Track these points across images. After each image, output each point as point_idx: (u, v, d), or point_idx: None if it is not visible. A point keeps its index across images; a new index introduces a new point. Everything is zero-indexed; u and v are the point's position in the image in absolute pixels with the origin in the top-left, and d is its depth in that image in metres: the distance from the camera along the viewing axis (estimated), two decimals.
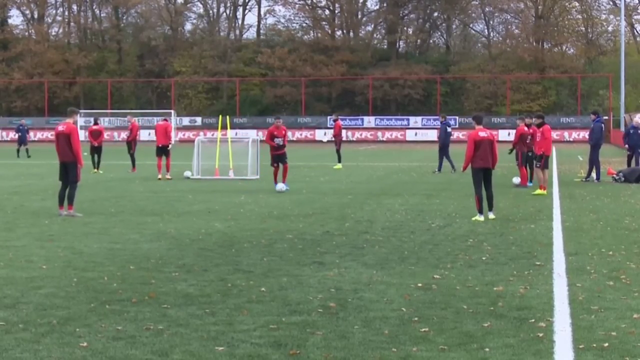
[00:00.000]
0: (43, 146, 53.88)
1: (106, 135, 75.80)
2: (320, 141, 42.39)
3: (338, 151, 35.97)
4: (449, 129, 32.84)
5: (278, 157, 23.47)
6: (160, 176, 27.72)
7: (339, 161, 35.52)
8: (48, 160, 36.53)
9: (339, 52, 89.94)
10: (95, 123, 33.27)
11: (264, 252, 12.28)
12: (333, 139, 36.93)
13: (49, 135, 69.78)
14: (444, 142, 31.78)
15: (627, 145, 29.21)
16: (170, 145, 28.66)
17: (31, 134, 48.49)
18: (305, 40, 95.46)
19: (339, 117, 40.85)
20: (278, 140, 23.44)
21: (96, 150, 31.66)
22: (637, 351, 7.06)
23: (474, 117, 17.56)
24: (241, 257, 11.83)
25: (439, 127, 33.23)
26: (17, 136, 47.78)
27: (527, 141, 24.80)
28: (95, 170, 30.87)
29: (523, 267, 11.00)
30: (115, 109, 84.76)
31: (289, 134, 69.81)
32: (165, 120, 30.31)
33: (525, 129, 24.91)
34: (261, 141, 29.51)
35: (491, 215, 16.44)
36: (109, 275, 10.34)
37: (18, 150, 45.48)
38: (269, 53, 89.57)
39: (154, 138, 30.02)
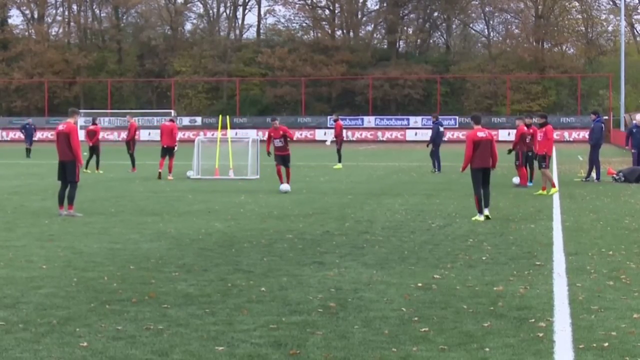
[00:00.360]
0: (43, 146, 53.87)
1: (106, 135, 76.39)
2: (324, 142, 42.41)
3: (339, 151, 36.02)
4: (441, 129, 32.94)
5: (281, 158, 23.34)
6: (160, 170, 27.78)
7: (339, 161, 35.56)
8: (48, 160, 36.53)
9: (339, 52, 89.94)
10: (93, 123, 33.18)
11: (264, 252, 12.28)
12: (335, 139, 36.93)
13: (49, 135, 69.81)
14: (435, 142, 31.84)
15: (627, 146, 29.19)
16: (176, 147, 28.81)
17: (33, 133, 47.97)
18: (305, 40, 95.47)
19: (339, 117, 40.88)
20: (276, 142, 23.31)
21: (91, 150, 31.48)
22: (637, 351, 7.06)
23: (472, 117, 17.49)
24: (241, 257, 11.84)
25: (432, 127, 33.27)
26: (22, 136, 47.29)
27: (527, 141, 24.82)
28: (86, 169, 30.59)
29: (523, 267, 11.00)
30: (115, 109, 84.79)
31: None
32: (172, 121, 30.31)
33: (525, 128, 24.91)
34: (261, 141, 29.54)
35: (486, 212, 16.42)
36: (109, 275, 10.34)
37: (28, 150, 45.19)
38: (269, 53, 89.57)
39: (155, 138, 30.08)
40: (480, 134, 16.71)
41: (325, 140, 39.85)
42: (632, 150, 28.81)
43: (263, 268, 10.90)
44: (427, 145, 32.43)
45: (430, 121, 35.18)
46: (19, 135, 77.85)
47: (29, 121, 49.68)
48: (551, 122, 23.35)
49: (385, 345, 7.21)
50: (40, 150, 46.53)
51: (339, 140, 36.44)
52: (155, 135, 73.82)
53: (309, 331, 7.67)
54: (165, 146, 28.56)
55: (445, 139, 33.43)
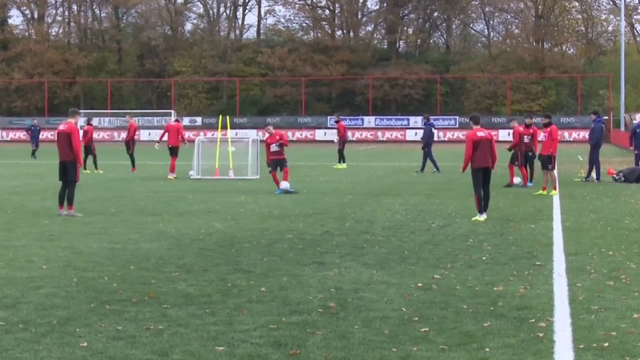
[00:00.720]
0: (44, 146, 53.81)
1: (106, 135, 76.37)
2: (331, 141, 42.69)
3: (341, 151, 35.97)
4: (433, 130, 32.90)
5: (274, 163, 23.10)
6: (174, 175, 27.86)
7: (343, 161, 35.52)
8: (48, 160, 36.54)
9: (339, 52, 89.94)
10: (88, 123, 33.14)
11: (264, 252, 12.28)
12: (338, 139, 36.85)
13: (49, 135, 69.69)
14: (428, 142, 31.73)
15: (631, 147, 29.16)
16: (186, 145, 29.36)
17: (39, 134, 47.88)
18: (305, 40, 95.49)
19: (340, 117, 40.87)
20: (272, 146, 23.16)
21: (85, 150, 31.28)
22: (637, 351, 7.06)
23: (472, 117, 17.49)
24: (241, 257, 11.83)
25: (424, 127, 33.04)
26: (28, 136, 47.24)
27: (527, 141, 24.84)
28: (85, 170, 30.45)
29: (523, 267, 11.00)
30: (115, 109, 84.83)
31: (289, 134, 70.07)
32: (177, 121, 31.00)
33: (522, 129, 24.94)
34: (261, 141, 29.54)
35: (484, 216, 16.37)
36: (109, 275, 10.34)
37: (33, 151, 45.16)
38: (269, 53, 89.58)
39: (155, 138, 30.28)
40: (480, 134, 16.72)
41: (332, 141, 40.03)
42: (635, 151, 28.82)
43: (263, 268, 10.90)
44: (423, 148, 32.02)
45: (422, 122, 34.77)
46: (19, 135, 78.27)
47: (35, 122, 49.65)
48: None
49: (385, 345, 7.21)
50: (40, 150, 46.47)
51: (341, 141, 36.40)
52: (155, 135, 73.98)
53: (309, 331, 7.66)
54: (171, 146, 28.89)
55: (445, 138, 33.38)
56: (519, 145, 24.86)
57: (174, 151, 28.80)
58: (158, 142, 31.04)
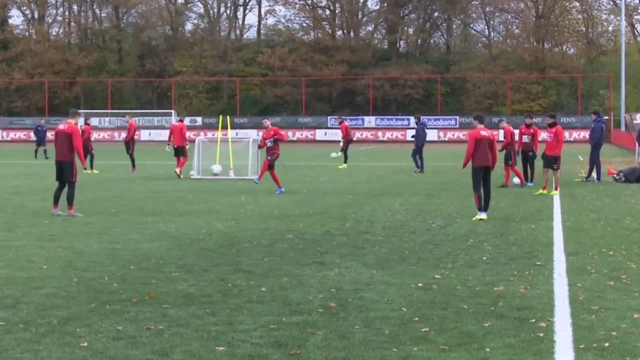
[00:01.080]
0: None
1: (106, 135, 76.38)
2: (336, 142, 43.06)
3: (345, 151, 35.99)
4: (425, 130, 32.97)
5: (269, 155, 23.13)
6: (182, 175, 27.96)
7: (344, 161, 35.53)
8: (49, 160, 36.53)
9: (340, 52, 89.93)
10: (86, 123, 33.16)
11: (264, 252, 12.28)
12: (342, 140, 36.88)
13: (50, 135, 69.63)
14: (423, 143, 31.74)
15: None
16: (187, 146, 29.56)
17: (46, 134, 48.05)
18: (305, 40, 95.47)
19: (342, 117, 40.86)
20: (267, 142, 23.12)
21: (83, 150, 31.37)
22: (638, 351, 7.06)
23: (476, 116, 17.53)
24: (241, 257, 11.83)
25: (416, 127, 32.98)
26: (35, 137, 47.53)
27: (528, 141, 24.86)
28: (85, 170, 30.55)
29: (523, 267, 11.00)
30: (115, 109, 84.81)
31: (290, 134, 70.08)
32: (180, 121, 31.38)
33: (512, 129, 25.04)
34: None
35: (484, 215, 16.37)
36: (109, 275, 10.34)
37: (36, 151, 45.41)
38: (269, 53, 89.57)
39: (155, 138, 30.42)
40: (483, 133, 16.78)
41: (338, 141, 40.32)
42: None
43: (263, 268, 10.90)
44: (420, 147, 31.94)
45: (415, 122, 34.71)
46: (19, 135, 78.28)
47: (42, 122, 49.88)
48: None
49: (385, 346, 7.21)
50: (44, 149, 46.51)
51: (345, 141, 36.41)
52: (156, 135, 74.12)
53: (310, 331, 7.66)
54: (176, 146, 29.13)
55: (445, 138, 33.35)
56: (511, 144, 24.93)
57: (179, 151, 29.02)
58: (167, 144, 31.14)
